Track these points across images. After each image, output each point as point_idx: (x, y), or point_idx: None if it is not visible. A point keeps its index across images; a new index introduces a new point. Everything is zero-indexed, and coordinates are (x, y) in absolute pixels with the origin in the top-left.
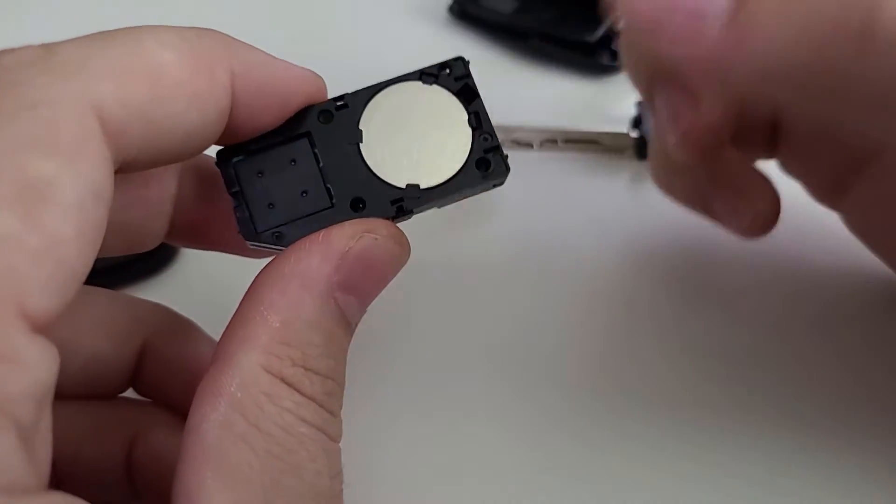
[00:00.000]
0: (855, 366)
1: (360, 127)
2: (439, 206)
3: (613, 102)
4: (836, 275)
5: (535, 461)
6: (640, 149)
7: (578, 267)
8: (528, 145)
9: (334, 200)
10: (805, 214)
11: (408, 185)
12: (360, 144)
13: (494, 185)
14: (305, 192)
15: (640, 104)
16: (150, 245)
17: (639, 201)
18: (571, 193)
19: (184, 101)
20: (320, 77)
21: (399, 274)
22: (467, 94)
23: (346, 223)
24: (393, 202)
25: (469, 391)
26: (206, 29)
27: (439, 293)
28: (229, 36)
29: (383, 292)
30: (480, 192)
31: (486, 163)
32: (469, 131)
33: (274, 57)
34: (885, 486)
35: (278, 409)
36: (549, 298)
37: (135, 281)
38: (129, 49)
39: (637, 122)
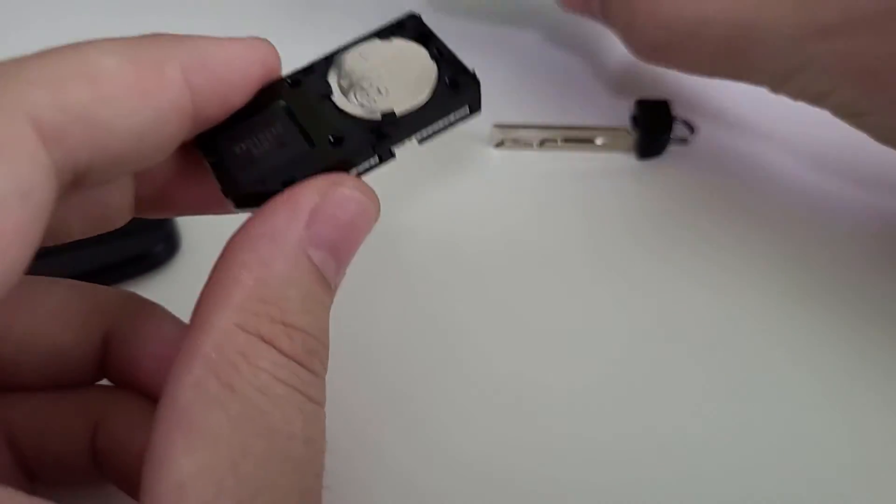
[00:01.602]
0: None
1: (329, 80)
2: (420, 140)
3: (613, 101)
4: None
5: (518, 442)
6: (640, 147)
7: (578, 265)
8: (528, 145)
9: (314, 142)
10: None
11: (384, 115)
12: (332, 95)
13: (471, 110)
14: (284, 143)
15: (639, 103)
16: (121, 222)
17: (638, 200)
18: (570, 192)
19: (131, 100)
20: (267, 40)
21: (396, 274)
22: (425, 38)
23: (311, 180)
24: (372, 131)
25: (454, 377)
26: (151, 33)
27: (438, 292)
28: (175, 34)
29: (382, 290)
30: (457, 116)
31: (455, 82)
32: (434, 64)
33: (221, 38)
34: None
35: (254, 368)
36: (548, 296)
37: (133, 278)
38: (66, 59)
39: (636, 121)
